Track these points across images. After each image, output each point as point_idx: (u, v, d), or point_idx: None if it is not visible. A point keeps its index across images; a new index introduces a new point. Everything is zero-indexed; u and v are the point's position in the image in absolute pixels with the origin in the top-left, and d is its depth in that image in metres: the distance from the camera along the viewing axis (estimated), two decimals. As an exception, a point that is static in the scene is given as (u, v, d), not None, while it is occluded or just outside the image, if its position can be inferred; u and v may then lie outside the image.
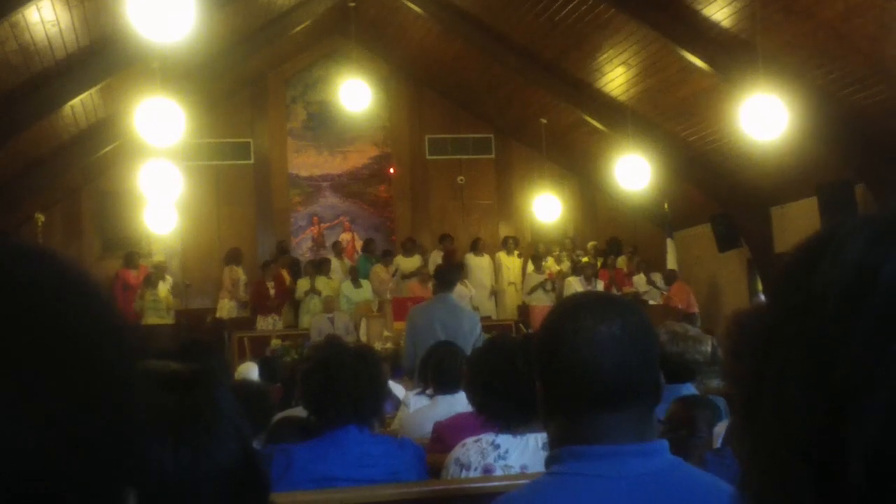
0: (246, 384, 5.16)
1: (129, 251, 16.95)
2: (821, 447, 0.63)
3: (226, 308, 16.82)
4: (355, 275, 16.43)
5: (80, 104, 13.29)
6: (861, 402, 0.62)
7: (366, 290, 16.20)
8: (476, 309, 15.81)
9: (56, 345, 0.66)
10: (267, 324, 16.01)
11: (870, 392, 0.61)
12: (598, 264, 17.12)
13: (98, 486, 0.66)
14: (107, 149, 15.26)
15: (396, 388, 7.29)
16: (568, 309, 1.97)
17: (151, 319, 15.76)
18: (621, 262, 17.78)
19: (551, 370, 1.94)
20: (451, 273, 9.05)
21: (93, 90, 12.80)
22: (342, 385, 3.47)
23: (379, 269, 16.74)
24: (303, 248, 18.41)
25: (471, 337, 7.89)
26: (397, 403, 6.57)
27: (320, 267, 16.61)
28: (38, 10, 10.41)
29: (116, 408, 0.69)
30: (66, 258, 0.72)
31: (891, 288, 0.63)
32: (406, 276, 16.58)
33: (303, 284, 16.46)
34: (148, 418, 0.73)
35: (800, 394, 0.65)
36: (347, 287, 16.24)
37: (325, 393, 3.48)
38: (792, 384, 0.66)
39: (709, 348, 4.79)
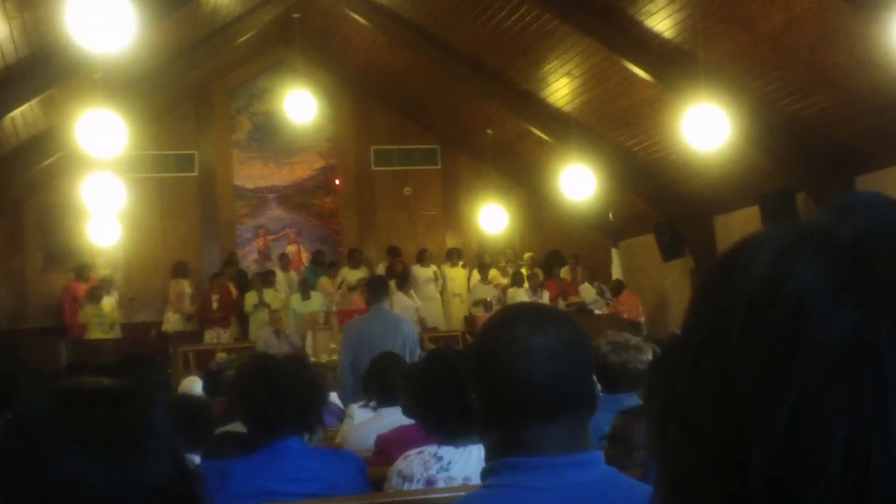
0: (186, 398, 5.11)
1: (80, 264, 16.72)
2: (727, 464, 0.62)
3: (171, 321, 16.68)
4: (305, 287, 16.31)
5: (20, 116, 13.09)
6: (762, 418, 0.61)
7: (315, 302, 16.09)
8: (422, 320, 15.84)
9: None
10: (212, 337, 15.87)
11: (770, 408, 0.61)
12: (541, 276, 17.16)
13: None
14: (48, 161, 15.06)
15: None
16: (502, 320, 1.97)
17: (96, 334, 15.59)
18: (564, 272, 17.85)
19: (486, 382, 1.94)
20: (383, 283, 9.20)
21: (33, 101, 12.62)
22: (286, 392, 3.42)
23: (325, 282, 16.66)
24: (248, 260, 18.27)
25: (409, 343, 8.01)
26: (342, 416, 6.53)
27: (267, 279, 16.48)
28: (-24, 20, 10.28)
29: None
30: None
31: (793, 302, 0.62)
32: (352, 288, 16.51)
33: (251, 298, 16.32)
34: (79, 434, 0.72)
35: (707, 409, 0.64)
36: (296, 300, 16.12)
37: (270, 403, 3.40)
38: (699, 398, 0.65)
39: (650, 357, 4.84)
